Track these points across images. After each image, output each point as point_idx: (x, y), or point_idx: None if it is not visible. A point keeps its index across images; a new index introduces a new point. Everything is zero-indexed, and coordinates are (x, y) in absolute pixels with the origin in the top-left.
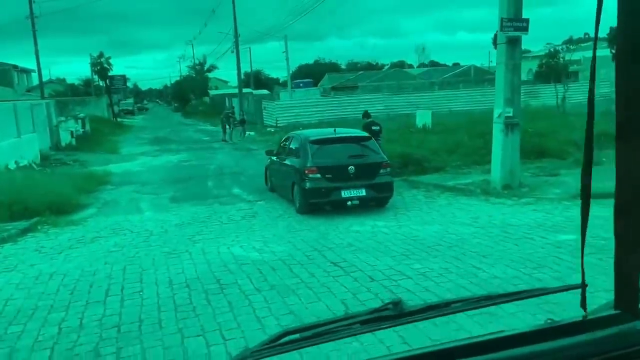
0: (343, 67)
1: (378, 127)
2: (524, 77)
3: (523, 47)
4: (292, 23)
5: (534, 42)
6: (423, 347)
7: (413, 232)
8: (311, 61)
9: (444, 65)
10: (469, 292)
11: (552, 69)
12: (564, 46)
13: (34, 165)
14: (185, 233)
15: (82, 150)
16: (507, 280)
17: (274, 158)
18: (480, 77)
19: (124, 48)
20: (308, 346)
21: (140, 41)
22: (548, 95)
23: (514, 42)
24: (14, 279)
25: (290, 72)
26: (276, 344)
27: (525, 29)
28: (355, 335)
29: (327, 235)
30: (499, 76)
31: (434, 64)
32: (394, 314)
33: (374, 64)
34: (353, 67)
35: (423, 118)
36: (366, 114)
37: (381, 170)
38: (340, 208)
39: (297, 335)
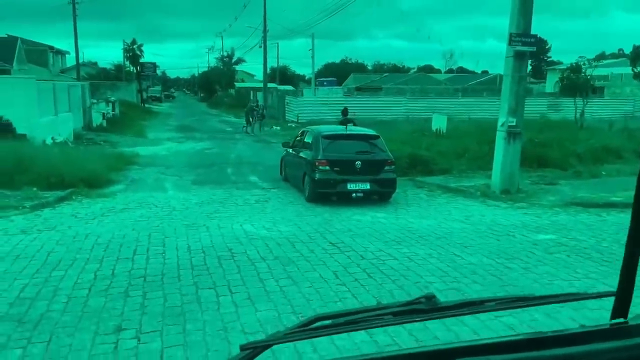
0: (369, 67)
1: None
2: (550, 89)
3: (555, 58)
4: (321, 22)
5: (567, 54)
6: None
7: (408, 224)
8: (338, 60)
9: (472, 72)
10: (446, 275)
11: (574, 83)
12: (587, 61)
13: (68, 142)
14: (203, 210)
15: (111, 131)
16: (480, 267)
17: (290, 150)
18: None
19: (153, 35)
20: (339, 333)
21: (169, 29)
22: (571, 108)
23: (521, 56)
24: (55, 236)
25: (317, 69)
26: (308, 328)
27: (532, 45)
28: (386, 326)
29: (331, 221)
30: (504, 87)
31: (462, 70)
32: (426, 308)
33: (400, 66)
34: (379, 68)
35: (438, 122)
36: (345, 112)
37: (386, 167)
38: (345, 199)
39: (328, 322)
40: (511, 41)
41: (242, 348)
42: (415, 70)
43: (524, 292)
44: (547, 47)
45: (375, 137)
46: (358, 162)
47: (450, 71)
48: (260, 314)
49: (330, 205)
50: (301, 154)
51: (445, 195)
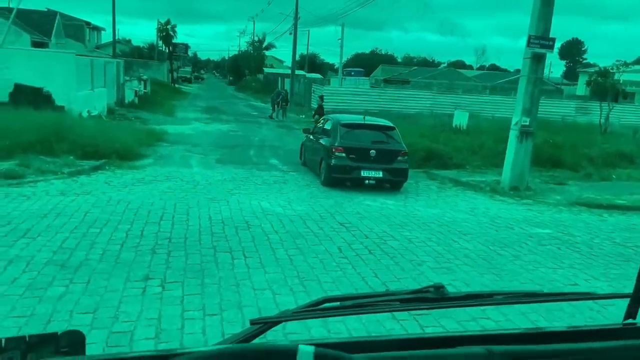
0: (399, 60)
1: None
2: (581, 91)
3: (591, 60)
4: (353, 11)
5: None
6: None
7: (414, 212)
8: (368, 50)
9: (505, 70)
10: (440, 256)
11: (601, 87)
12: (616, 65)
13: (102, 116)
14: (225, 187)
15: (142, 109)
16: (474, 252)
17: (310, 136)
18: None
19: (186, 16)
20: (346, 315)
21: (203, 11)
22: (598, 112)
23: (538, 58)
24: (90, 200)
25: (346, 59)
26: (317, 308)
27: (550, 47)
28: (393, 311)
29: (342, 204)
30: (520, 87)
31: (494, 67)
32: (434, 297)
33: (430, 60)
34: (409, 61)
35: (459, 118)
36: (321, 98)
37: (399, 157)
38: (358, 185)
39: (337, 303)
40: (529, 43)
41: (252, 322)
42: (445, 65)
43: (508, 275)
44: (583, 48)
45: (391, 129)
46: (373, 151)
47: (481, 68)
48: (268, 275)
49: (344, 190)
50: (320, 141)
51: (455, 188)
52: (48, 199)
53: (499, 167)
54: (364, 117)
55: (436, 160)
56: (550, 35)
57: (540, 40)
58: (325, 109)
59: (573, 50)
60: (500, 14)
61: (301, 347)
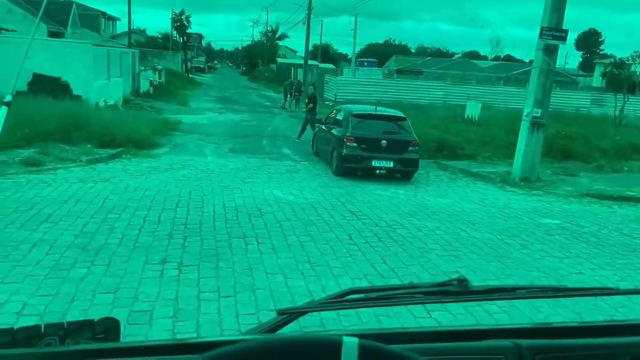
0: (413, 51)
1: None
2: (597, 82)
3: (608, 51)
4: (367, 2)
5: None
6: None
7: (424, 201)
8: (381, 41)
9: (520, 60)
10: (448, 244)
11: (616, 79)
12: (632, 56)
13: (118, 105)
14: (238, 175)
15: (157, 98)
16: (481, 241)
17: (322, 126)
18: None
19: (199, 5)
20: (370, 307)
21: (216, 0)
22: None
23: (551, 50)
24: (108, 187)
25: (359, 50)
26: (341, 300)
27: (563, 39)
28: (416, 304)
29: (353, 193)
30: (532, 78)
31: (509, 58)
32: (457, 290)
33: (445, 51)
34: (422, 52)
35: (472, 110)
36: (314, 86)
37: (410, 148)
38: (369, 175)
39: (361, 295)
40: (542, 34)
41: (279, 313)
42: (459, 55)
43: (515, 263)
44: (600, 39)
45: (403, 119)
46: (384, 141)
47: (496, 58)
48: (280, 260)
49: (355, 179)
50: (332, 131)
51: (466, 179)
52: (68, 186)
53: (510, 158)
54: (376, 108)
55: (447, 151)
56: (565, 27)
57: (553, 31)
58: (338, 100)
59: (590, 41)
60: (517, 3)
61: (345, 338)
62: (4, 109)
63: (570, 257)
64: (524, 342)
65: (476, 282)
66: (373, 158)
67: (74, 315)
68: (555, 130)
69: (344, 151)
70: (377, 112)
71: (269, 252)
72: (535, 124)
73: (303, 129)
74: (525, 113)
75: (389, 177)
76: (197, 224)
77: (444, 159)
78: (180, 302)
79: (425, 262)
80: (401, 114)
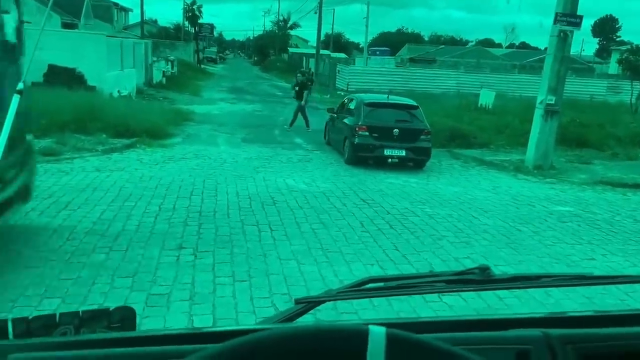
0: (426, 39)
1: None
2: (613, 70)
3: (625, 38)
4: None
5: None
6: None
7: (436, 189)
8: (394, 29)
9: (535, 48)
10: (460, 232)
11: (633, 65)
12: None
13: (131, 96)
14: (251, 165)
15: (170, 89)
16: (493, 228)
17: (334, 115)
18: (568, 65)
19: None
20: (390, 296)
21: None
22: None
23: (565, 36)
24: (124, 176)
25: (372, 38)
26: (361, 288)
27: (577, 25)
28: (438, 292)
29: (365, 182)
30: (546, 65)
31: (524, 45)
32: (479, 279)
33: (458, 39)
34: (436, 40)
35: (485, 98)
36: (302, 73)
37: (422, 137)
38: (381, 164)
39: (381, 284)
40: (556, 20)
41: (297, 302)
42: (473, 43)
43: (526, 249)
44: (617, 26)
45: (415, 107)
46: (396, 130)
47: (511, 46)
48: (293, 247)
49: (367, 168)
50: (344, 120)
51: (479, 167)
52: (85, 175)
53: (524, 146)
54: (388, 97)
55: (460, 140)
56: (581, 13)
57: (567, 17)
58: (350, 89)
59: (606, 28)
60: None
61: (371, 327)
62: (17, 97)
63: (582, 243)
64: (554, 331)
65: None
66: (385, 147)
67: (95, 298)
68: (570, 118)
69: (356, 140)
70: (389, 101)
71: (282, 239)
72: (549, 112)
73: (294, 117)
74: (539, 100)
75: (401, 165)
76: (211, 211)
77: (457, 147)
78: (196, 285)
79: (437, 249)
80: (413, 103)
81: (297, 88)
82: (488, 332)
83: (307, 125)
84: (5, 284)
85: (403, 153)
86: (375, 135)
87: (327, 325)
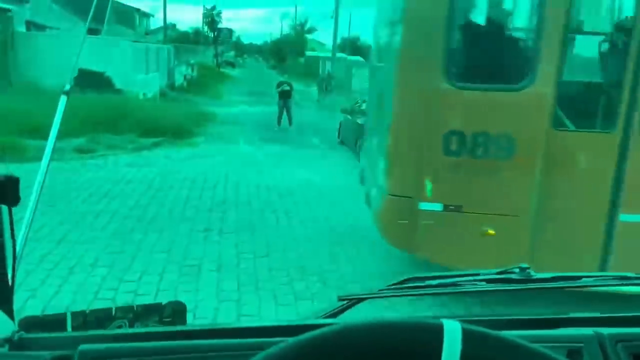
0: None
1: (288, 88)
2: None
3: None
4: None
5: None
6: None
7: None
8: None
9: None
10: None
11: None
12: None
13: (156, 98)
14: (269, 161)
15: (191, 92)
16: None
17: (348, 116)
18: None
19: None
20: (431, 294)
21: None
22: None
23: None
24: (154, 170)
25: None
26: (402, 286)
27: None
28: (478, 292)
29: None
30: None
31: None
32: (520, 278)
33: None
34: None
35: None
36: (280, 84)
37: None
38: None
39: (421, 282)
40: None
41: (340, 299)
42: None
43: None
44: None
45: None
46: None
47: None
48: (307, 231)
49: None
50: (357, 120)
51: None
52: (118, 169)
53: None
54: None
55: None
56: None
57: None
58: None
59: None
60: None
61: (445, 322)
62: (64, 97)
63: None
64: (605, 330)
65: None
66: None
67: (137, 267)
68: None
69: None
70: None
71: (298, 224)
72: None
73: (280, 116)
74: None
75: None
76: (233, 200)
77: None
78: (222, 259)
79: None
80: None
81: (278, 89)
82: (540, 330)
83: (279, 122)
84: (63, 255)
85: None
86: None
87: (399, 320)
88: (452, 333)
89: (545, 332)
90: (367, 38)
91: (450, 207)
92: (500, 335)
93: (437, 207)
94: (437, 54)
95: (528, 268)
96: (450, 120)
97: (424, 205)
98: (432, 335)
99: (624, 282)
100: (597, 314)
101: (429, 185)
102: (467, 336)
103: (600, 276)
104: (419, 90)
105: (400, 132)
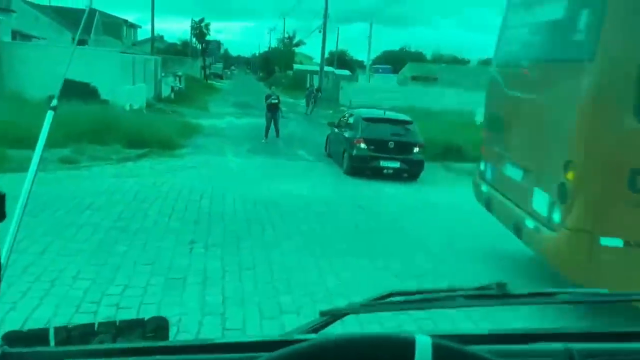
0: (428, 57)
1: (276, 101)
2: None
3: None
4: (383, 8)
5: None
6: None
7: (427, 198)
8: (397, 47)
9: None
10: (445, 232)
11: None
12: None
13: (142, 109)
14: (256, 173)
15: (178, 103)
16: (478, 230)
17: (335, 129)
18: None
19: (216, 12)
20: (412, 309)
21: (232, 7)
22: None
23: None
24: (139, 182)
25: (375, 56)
26: (384, 301)
27: None
28: (457, 307)
29: (362, 190)
30: None
31: None
32: (497, 294)
33: (460, 58)
34: (438, 58)
35: (482, 115)
36: (267, 97)
37: (415, 149)
38: (378, 174)
39: (403, 298)
40: None
41: (322, 314)
42: (475, 62)
43: (503, 248)
44: None
45: (409, 122)
46: (391, 143)
47: None
48: (293, 242)
49: (364, 178)
50: (343, 133)
51: (470, 179)
52: (103, 180)
53: None
54: (384, 112)
55: (454, 154)
56: None
57: None
58: (352, 106)
59: None
60: None
61: (418, 336)
62: (50, 113)
63: None
64: (575, 345)
65: (466, 262)
66: (381, 159)
67: (121, 279)
68: None
69: (354, 152)
70: (386, 116)
71: (283, 236)
72: None
73: (267, 128)
74: None
75: (396, 176)
76: (219, 212)
77: (451, 161)
78: (208, 272)
79: (422, 246)
80: (408, 118)
81: (267, 102)
82: (512, 345)
83: (266, 135)
84: (45, 267)
85: (397, 165)
86: (372, 147)
87: (373, 334)
88: (423, 348)
89: (516, 347)
90: (354, 53)
91: (632, 243)
92: (469, 351)
93: (618, 242)
94: (629, 94)
95: (505, 284)
96: (637, 157)
97: (605, 241)
98: (404, 349)
99: (599, 298)
100: (568, 330)
101: (610, 221)
102: (437, 351)
103: (575, 292)
104: (607, 128)
105: (583, 167)
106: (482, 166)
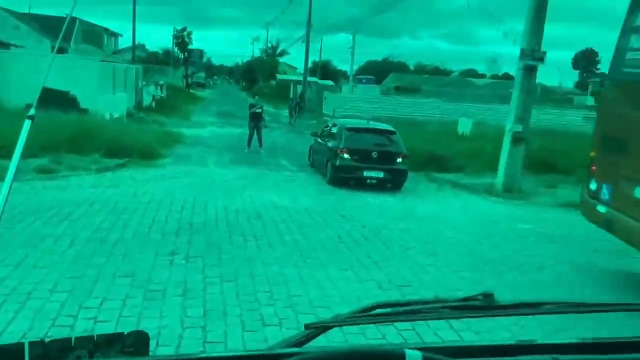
0: (411, 68)
1: (260, 110)
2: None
3: (604, 70)
4: (365, 19)
5: None
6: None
7: (410, 208)
8: (380, 58)
9: None
10: (427, 243)
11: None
12: None
13: (123, 118)
14: (239, 184)
15: (159, 112)
16: (457, 240)
17: (318, 139)
18: (547, 96)
19: (198, 21)
20: (397, 321)
21: (215, 17)
22: None
23: (530, 70)
24: (118, 192)
25: (358, 67)
26: (368, 314)
27: (541, 60)
28: (443, 319)
29: (345, 200)
30: (514, 96)
31: (507, 76)
32: (483, 305)
33: (442, 69)
34: (421, 69)
35: (463, 126)
36: (250, 106)
37: (398, 159)
38: (361, 185)
39: (388, 310)
40: (522, 56)
41: (306, 327)
42: (457, 73)
43: (484, 258)
44: (597, 59)
45: (392, 133)
46: (374, 153)
47: (495, 76)
48: (276, 254)
49: (348, 188)
50: (327, 143)
51: (453, 190)
52: (81, 191)
53: (495, 170)
54: (368, 122)
55: (437, 164)
56: (564, 45)
57: (533, 52)
58: (336, 116)
59: (587, 60)
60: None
61: (408, 350)
62: (28, 122)
63: (535, 255)
64: (563, 357)
65: (449, 272)
66: (364, 169)
67: (99, 292)
68: (540, 144)
69: (337, 162)
70: (369, 126)
71: (266, 247)
72: (517, 139)
73: (250, 138)
74: (507, 128)
75: (379, 186)
76: (201, 223)
77: (434, 171)
78: (188, 284)
79: (405, 257)
80: (391, 128)
81: (250, 111)
82: (500, 357)
83: (249, 144)
84: (20, 280)
85: (381, 175)
86: (355, 157)
87: (362, 349)
88: None
89: None
90: (338, 63)
91: None
92: None
93: None
94: None
95: (491, 295)
96: None
97: None
98: None
99: (584, 308)
100: (556, 341)
101: None
102: None
103: (561, 303)
104: None
105: None
106: (592, 186)
